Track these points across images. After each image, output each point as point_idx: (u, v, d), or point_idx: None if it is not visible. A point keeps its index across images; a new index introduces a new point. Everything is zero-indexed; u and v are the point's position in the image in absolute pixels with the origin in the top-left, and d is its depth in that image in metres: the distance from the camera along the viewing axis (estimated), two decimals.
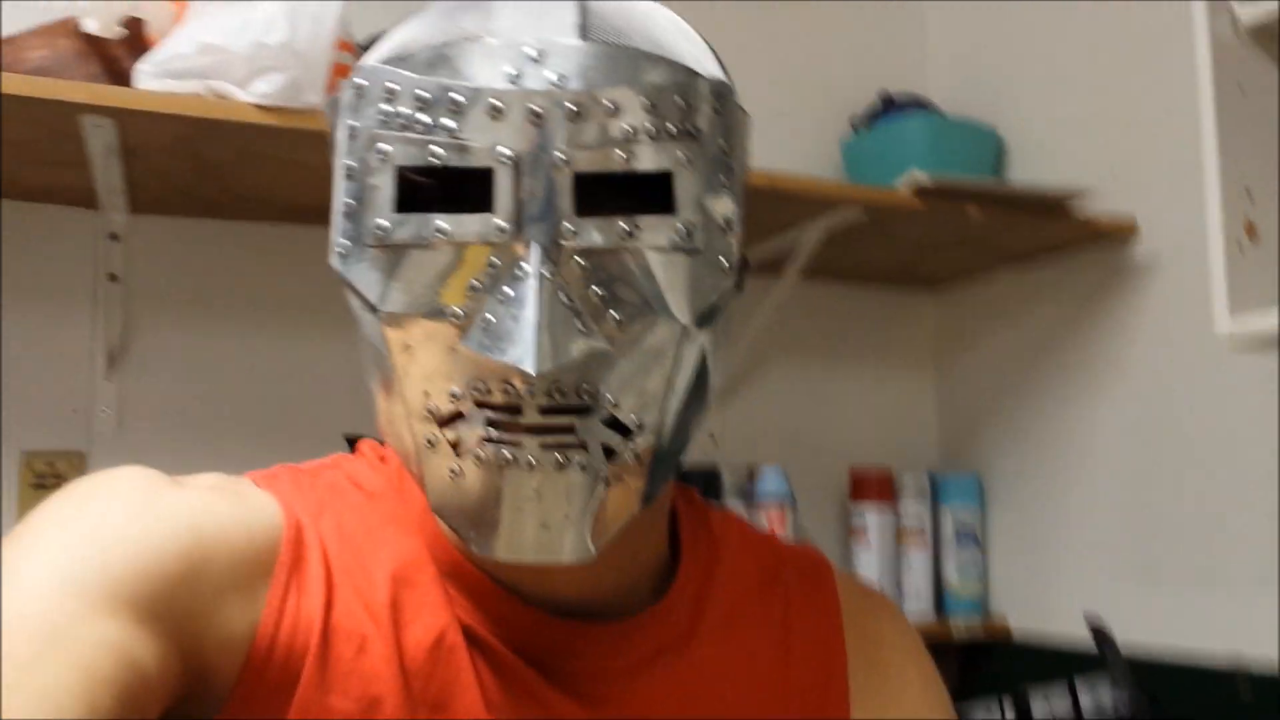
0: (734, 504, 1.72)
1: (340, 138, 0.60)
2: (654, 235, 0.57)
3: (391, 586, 0.62)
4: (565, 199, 0.55)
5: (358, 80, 0.59)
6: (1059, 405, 1.79)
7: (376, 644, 0.60)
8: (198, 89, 1.24)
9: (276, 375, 1.60)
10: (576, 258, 0.55)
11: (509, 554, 0.57)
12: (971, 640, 1.83)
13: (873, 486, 1.85)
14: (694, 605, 0.70)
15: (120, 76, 1.27)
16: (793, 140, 1.90)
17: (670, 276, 0.57)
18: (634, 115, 0.56)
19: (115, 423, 1.52)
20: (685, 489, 0.76)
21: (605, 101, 0.56)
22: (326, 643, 0.59)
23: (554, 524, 0.56)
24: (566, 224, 0.55)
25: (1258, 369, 1.43)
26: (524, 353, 0.53)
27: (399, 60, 0.58)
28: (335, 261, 0.59)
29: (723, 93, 0.59)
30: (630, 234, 0.56)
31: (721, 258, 0.59)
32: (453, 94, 0.56)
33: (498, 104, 0.55)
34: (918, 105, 1.88)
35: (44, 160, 1.36)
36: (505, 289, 0.55)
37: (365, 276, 0.58)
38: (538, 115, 0.55)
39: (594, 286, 0.56)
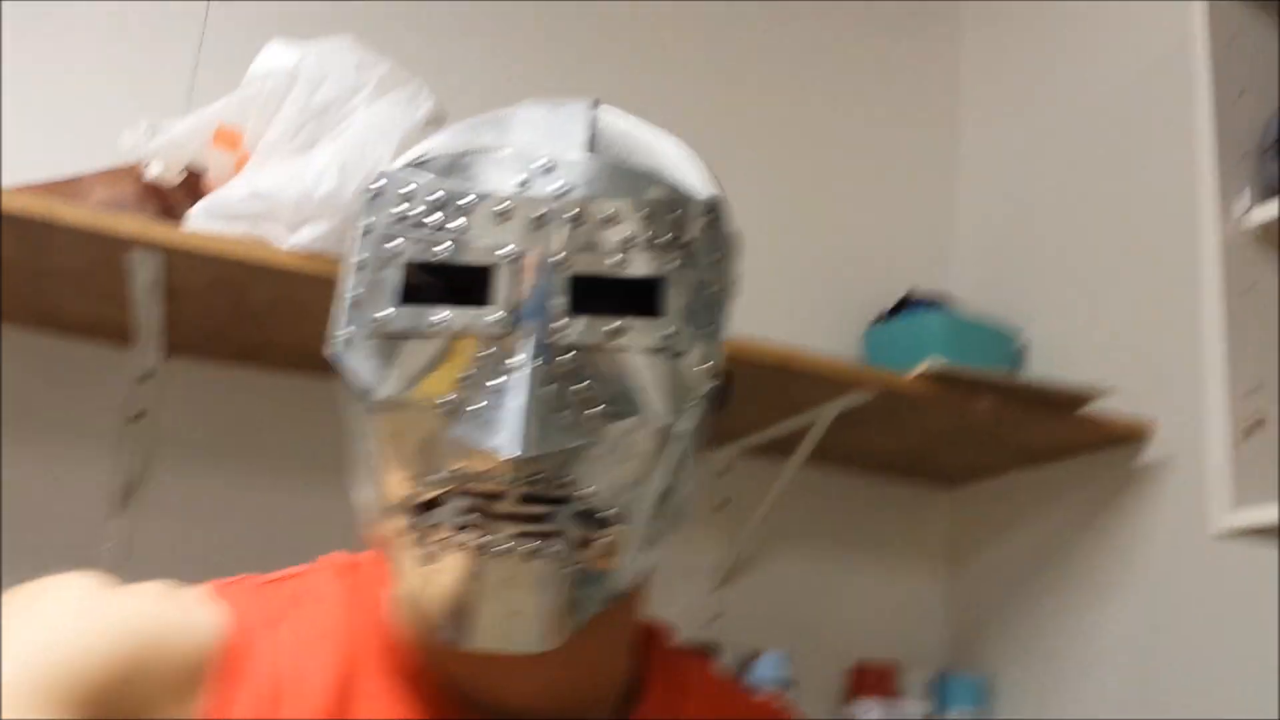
0: None
1: (355, 235, 0.64)
2: (641, 337, 0.59)
3: (338, 694, 0.62)
4: (559, 298, 0.58)
5: (377, 182, 0.63)
6: (1070, 609, 1.75)
7: None
8: (244, 233, 1.30)
9: (290, 528, 1.59)
10: (566, 353, 0.58)
11: (479, 641, 0.57)
12: None
13: (875, 681, 1.80)
14: None
15: (174, 219, 1.34)
16: (816, 325, 1.94)
17: (654, 377, 0.59)
18: (631, 225, 0.59)
19: (122, 560, 1.52)
20: (657, 626, 0.75)
21: (604, 210, 0.59)
22: None
23: (522, 611, 0.56)
24: (559, 321, 0.58)
25: (1264, 569, 1.41)
26: (507, 439, 0.55)
27: (418, 165, 0.62)
28: (336, 349, 0.62)
29: (714, 211, 0.63)
30: (618, 334, 0.59)
31: (704, 364, 0.61)
32: (463, 197, 0.59)
33: (503, 207, 0.59)
34: (939, 303, 1.92)
35: (89, 294, 1.42)
36: (495, 380, 0.57)
37: (362, 365, 0.60)
38: (540, 219, 0.58)
39: (581, 382, 0.58)
